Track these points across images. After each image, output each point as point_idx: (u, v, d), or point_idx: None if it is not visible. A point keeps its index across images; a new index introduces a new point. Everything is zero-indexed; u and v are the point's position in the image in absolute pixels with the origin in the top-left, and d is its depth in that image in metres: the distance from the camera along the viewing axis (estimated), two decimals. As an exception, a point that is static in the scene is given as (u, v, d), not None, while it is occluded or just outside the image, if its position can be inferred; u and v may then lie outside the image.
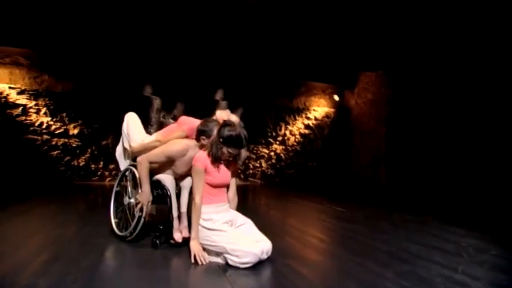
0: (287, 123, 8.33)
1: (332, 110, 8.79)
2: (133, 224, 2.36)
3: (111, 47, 6.41)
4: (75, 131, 6.50)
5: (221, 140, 2.10)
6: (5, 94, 6.13)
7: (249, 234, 2.15)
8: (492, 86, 5.12)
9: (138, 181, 2.43)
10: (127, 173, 2.65)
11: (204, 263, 2.03)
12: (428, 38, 5.78)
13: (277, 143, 8.20)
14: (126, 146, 2.65)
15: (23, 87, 6.27)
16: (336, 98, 8.72)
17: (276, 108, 8.25)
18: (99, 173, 6.64)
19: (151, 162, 2.36)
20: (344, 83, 8.58)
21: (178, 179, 2.53)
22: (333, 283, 1.89)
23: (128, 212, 2.52)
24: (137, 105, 6.70)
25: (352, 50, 7.15)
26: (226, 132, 2.09)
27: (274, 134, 8.17)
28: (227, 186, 2.30)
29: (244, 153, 2.25)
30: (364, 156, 8.07)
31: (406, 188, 6.48)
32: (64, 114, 6.45)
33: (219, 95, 7.69)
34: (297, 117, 8.46)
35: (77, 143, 6.50)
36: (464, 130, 5.56)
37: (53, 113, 6.39)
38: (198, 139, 2.31)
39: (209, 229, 2.08)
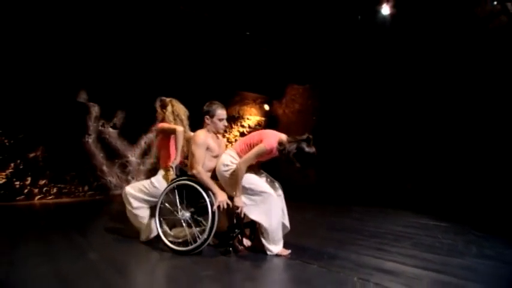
0: (224, 131, 8.65)
1: (263, 118, 9.53)
2: (209, 223, 2.36)
3: (36, 44, 5.61)
4: (-7, 143, 5.44)
5: (296, 152, 2.29)
6: None
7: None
8: (397, 97, 6.60)
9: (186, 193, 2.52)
10: (173, 189, 2.60)
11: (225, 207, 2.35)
12: (350, 58, 7.04)
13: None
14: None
15: None
16: (266, 107, 9.51)
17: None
18: (25, 190, 5.68)
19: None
20: (273, 94, 9.44)
21: None
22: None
23: (186, 225, 2.50)
24: (70, 112, 6.09)
25: (282, 64, 8.03)
26: (306, 149, 2.29)
27: (213, 141, 8.38)
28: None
29: None
30: (293, 160, 9.02)
31: (335, 187, 7.62)
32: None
33: (158, 103, 7.52)
34: (233, 125, 8.89)
35: (-5, 156, 5.44)
36: (377, 134, 6.94)
37: (-41, 121, 5.22)
38: (203, 119, 2.66)
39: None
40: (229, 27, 6.23)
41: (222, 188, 2.50)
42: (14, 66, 5.57)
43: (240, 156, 2.46)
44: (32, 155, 5.74)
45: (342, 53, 7.05)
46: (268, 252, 2.39)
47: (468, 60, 5.43)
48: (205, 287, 1.90)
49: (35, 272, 2.08)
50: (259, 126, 9.44)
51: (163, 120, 2.95)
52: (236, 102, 9.05)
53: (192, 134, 2.82)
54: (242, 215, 2.43)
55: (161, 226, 2.59)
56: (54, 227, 3.55)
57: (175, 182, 2.60)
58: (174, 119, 2.90)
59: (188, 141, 2.81)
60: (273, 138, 2.41)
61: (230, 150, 2.59)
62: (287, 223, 2.52)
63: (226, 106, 8.64)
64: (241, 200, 2.40)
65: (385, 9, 5.69)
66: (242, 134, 9.04)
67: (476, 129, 5.26)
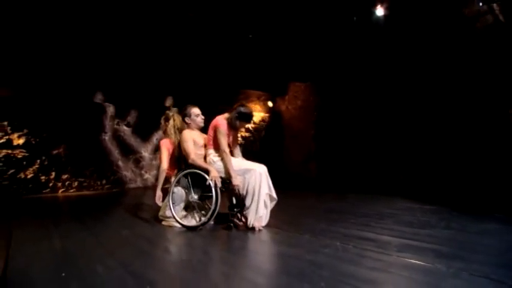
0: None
1: (267, 114, 9.98)
2: (213, 201, 2.87)
3: (56, 48, 6.11)
4: (21, 141, 5.98)
5: (237, 115, 3.04)
6: None
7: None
8: (393, 93, 6.99)
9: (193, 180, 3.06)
10: (184, 176, 3.13)
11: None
12: (348, 57, 7.45)
13: (223, 145, 8.92)
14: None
15: None
16: (270, 104, 9.96)
17: (220, 113, 8.94)
18: (50, 184, 6.24)
19: None
20: (276, 91, 9.88)
21: None
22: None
23: (196, 206, 3.07)
24: (88, 112, 6.61)
25: (284, 63, 8.45)
26: (242, 109, 3.07)
27: (220, 137, 8.86)
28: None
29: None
30: (296, 155, 9.48)
31: (335, 178, 8.06)
32: (6, 123, 5.87)
33: (168, 102, 8.03)
34: (239, 122, 9.34)
35: (23, 154, 5.99)
36: (375, 129, 7.35)
37: (-9, 122, 5.77)
38: (184, 120, 3.29)
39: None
40: (232, 27, 6.66)
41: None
42: (37, 72, 6.10)
43: (216, 149, 3.05)
44: (55, 152, 6.28)
45: (341, 51, 7.45)
46: (250, 225, 2.89)
47: (458, 57, 5.82)
48: (213, 249, 2.39)
49: (82, 243, 2.60)
50: (263, 122, 9.90)
51: (165, 132, 3.46)
52: (240, 99, 9.46)
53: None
54: (240, 193, 2.95)
55: (174, 208, 3.10)
56: (82, 214, 4.08)
57: (182, 172, 3.14)
58: (175, 132, 3.39)
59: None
60: (220, 119, 3.11)
61: (209, 150, 3.14)
62: (274, 195, 3.01)
63: (231, 104, 9.25)
64: (238, 179, 2.92)
65: (380, 11, 6.10)
66: (247, 130, 9.51)
67: (463, 124, 5.66)
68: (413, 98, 6.49)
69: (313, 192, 6.06)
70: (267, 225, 3.00)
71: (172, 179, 3.27)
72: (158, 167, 3.96)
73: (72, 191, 6.44)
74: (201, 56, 7.49)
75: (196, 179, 3.07)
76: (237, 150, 3.38)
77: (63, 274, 1.92)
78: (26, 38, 5.72)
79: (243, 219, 3.03)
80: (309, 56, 8.01)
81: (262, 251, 2.49)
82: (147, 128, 7.43)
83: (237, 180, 2.91)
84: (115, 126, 7.01)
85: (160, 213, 3.31)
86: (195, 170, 3.05)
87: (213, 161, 3.06)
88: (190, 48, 7.06)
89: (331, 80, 8.37)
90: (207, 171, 2.97)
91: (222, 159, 3.00)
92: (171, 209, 3.09)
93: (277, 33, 6.95)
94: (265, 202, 2.97)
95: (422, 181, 6.03)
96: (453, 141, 5.79)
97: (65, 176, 6.36)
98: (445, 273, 1.76)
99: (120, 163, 7.02)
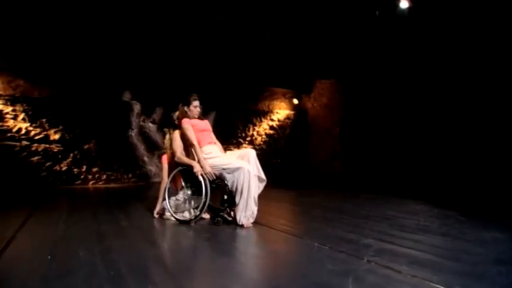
0: (254, 125, 9.22)
1: (292, 112, 9.91)
2: (203, 196, 2.98)
3: (88, 52, 6.59)
4: (56, 136, 6.57)
5: (184, 105, 3.34)
6: (-22, 100, 6.00)
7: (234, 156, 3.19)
8: (421, 90, 6.61)
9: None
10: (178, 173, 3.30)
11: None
12: (373, 54, 7.15)
13: (246, 142, 9.05)
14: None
15: (-4, 92, 6.19)
16: (295, 101, 9.87)
17: (245, 111, 9.09)
18: (82, 176, 6.78)
19: None
20: (302, 89, 9.77)
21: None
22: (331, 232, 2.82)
23: (189, 200, 3.21)
24: (117, 110, 7.04)
25: (309, 60, 8.32)
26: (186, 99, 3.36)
27: (243, 134, 9.00)
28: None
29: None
30: (321, 152, 9.32)
31: (359, 177, 7.81)
32: (44, 120, 6.48)
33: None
34: (263, 119, 9.40)
35: (58, 148, 6.57)
36: (401, 126, 7.00)
37: (31, 119, 6.38)
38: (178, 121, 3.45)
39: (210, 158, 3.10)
40: (257, 25, 6.70)
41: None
42: (72, 74, 6.65)
43: (203, 146, 3.19)
44: (86, 146, 6.81)
45: (367, 47, 7.18)
46: (239, 223, 2.93)
47: (491, 52, 5.36)
48: (203, 242, 2.48)
49: (82, 230, 2.84)
50: (288, 120, 9.85)
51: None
52: (266, 97, 9.53)
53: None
54: (228, 189, 3.03)
55: (169, 202, 3.25)
56: (99, 205, 4.41)
57: (176, 170, 3.29)
58: (170, 145, 3.55)
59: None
60: (182, 120, 3.28)
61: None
62: (263, 176, 3.08)
63: (256, 102, 9.39)
64: (197, 167, 3.04)
65: (404, 3, 5.79)
66: (271, 127, 9.53)
67: (494, 128, 5.21)
68: (444, 96, 6.09)
69: (327, 190, 5.96)
70: (259, 222, 3.03)
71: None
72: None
73: (101, 183, 6.94)
74: (226, 54, 7.62)
75: (188, 175, 3.19)
76: (219, 146, 3.41)
77: (49, 257, 2.12)
78: (63, 45, 6.27)
79: (232, 215, 3.10)
80: (334, 52, 7.82)
81: (237, 248, 2.52)
82: (172, 125, 7.73)
83: (196, 168, 3.03)
84: (141, 123, 7.41)
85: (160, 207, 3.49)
86: (186, 167, 3.17)
87: (206, 159, 3.14)
88: (215, 46, 7.22)
89: (356, 77, 8.10)
90: (192, 167, 3.08)
91: (195, 152, 3.12)
92: (167, 204, 3.25)
93: (302, 30, 6.88)
94: (255, 199, 3.01)
95: (443, 183, 5.66)
96: (481, 144, 5.36)
97: (94, 169, 6.87)
98: (402, 280, 1.68)
99: (145, 158, 7.41)
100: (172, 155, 3.38)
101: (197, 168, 3.05)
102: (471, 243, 2.39)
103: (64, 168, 6.62)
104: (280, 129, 9.69)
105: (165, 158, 3.60)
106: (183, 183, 3.30)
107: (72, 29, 6.04)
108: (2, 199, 4.96)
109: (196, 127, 3.24)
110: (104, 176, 6.99)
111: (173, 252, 2.37)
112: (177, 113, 3.56)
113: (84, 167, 6.79)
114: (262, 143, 9.34)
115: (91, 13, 5.75)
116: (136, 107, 7.34)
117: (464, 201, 4.37)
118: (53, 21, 5.75)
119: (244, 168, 2.96)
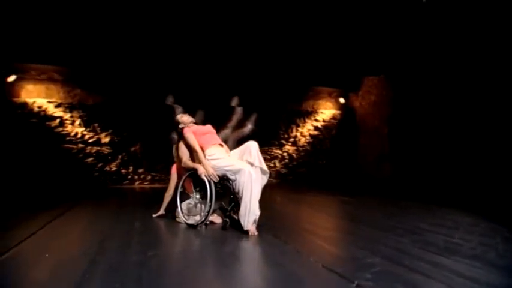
0: (298, 126, 8.95)
1: (338, 111, 9.40)
2: (208, 199, 2.96)
3: (135, 62, 7.04)
4: (107, 140, 7.13)
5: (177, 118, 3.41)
6: (43, 108, 6.78)
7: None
8: (479, 88, 5.72)
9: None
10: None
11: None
12: (424, 47, 6.41)
13: (289, 144, 8.82)
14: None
15: (58, 101, 6.92)
16: (342, 100, 9.34)
17: (287, 112, 8.88)
18: (129, 177, 7.26)
19: None
20: (348, 87, 9.20)
21: None
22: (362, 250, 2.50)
23: (199, 203, 3.21)
24: (161, 114, 7.38)
25: (356, 56, 7.78)
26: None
27: (286, 136, 8.79)
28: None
29: None
30: (369, 153, 8.67)
31: (409, 180, 7.07)
32: (96, 125, 7.08)
33: (234, 102, 8.35)
34: (306, 120, 9.08)
35: (108, 150, 7.13)
36: (457, 128, 6.15)
37: (86, 124, 7.03)
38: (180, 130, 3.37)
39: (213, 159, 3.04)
40: (301, 23, 6.48)
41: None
42: (120, 82, 7.16)
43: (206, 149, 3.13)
44: (133, 149, 7.27)
45: (417, 39, 6.47)
46: (244, 229, 2.80)
47: None
48: (209, 243, 2.42)
49: (94, 230, 2.98)
50: (334, 120, 9.38)
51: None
52: (310, 97, 9.18)
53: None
54: (234, 190, 2.94)
55: (180, 206, 3.28)
56: (132, 205, 4.64)
57: (186, 175, 3.27)
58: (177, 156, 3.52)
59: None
60: (183, 130, 3.27)
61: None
62: (265, 168, 2.93)
63: (300, 102, 9.19)
64: (201, 169, 3.03)
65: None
66: (316, 128, 9.16)
67: None
68: (509, 92, 5.19)
69: (368, 196, 5.48)
70: (267, 230, 2.88)
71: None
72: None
73: (146, 183, 7.35)
74: (269, 54, 7.52)
75: (197, 179, 3.16)
76: (225, 147, 3.32)
77: (47, 255, 2.24)
78: (113, 57, 6.79)
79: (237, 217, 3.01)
80: (382, 46, 7.20)
81: (238, 256, 2.39)
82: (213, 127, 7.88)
83: (200, 170, 3.01)
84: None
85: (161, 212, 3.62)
86: (193, 171, 3.14)
87: (209, 160, 3.09)
88: (257, 46, 7.17)
89: (406, 72, 7.35)
90: (197, 170, 3.06)
91: (198, 155, 3.11)
92: (178, 207, 3.27)
93: (348, 24, 6.48)
94: (257, 202, 2.87)
95: (506, 193, 4.79)
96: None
97: (140, 170, 7.30)
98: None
99: (187, 160, 7.65)
100: (180, 163, 3.39)
101: (201, 170, 3.03)
102: (506, 274, 1.92)
103: (113, 169, 7.16)
104: (326, 129, 9.25)
105: (174, 168, 3.63)
106: (193, 188, 3.30)
107: (121, 44, 6.52)
108: (62, 196, 5.54)
109: (199, 131, 3.23)
110: (149, 177, 7.39)
111: (168, 258, 2.34)
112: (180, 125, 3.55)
113: (131, 168, 7.27)
114: (306, 144, 9.02)
115: (136, 28, 6.15)
116: (179, 110, 7.61)
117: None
118: (104, 37, 6.28)
119: (245, 170, 2.83)
